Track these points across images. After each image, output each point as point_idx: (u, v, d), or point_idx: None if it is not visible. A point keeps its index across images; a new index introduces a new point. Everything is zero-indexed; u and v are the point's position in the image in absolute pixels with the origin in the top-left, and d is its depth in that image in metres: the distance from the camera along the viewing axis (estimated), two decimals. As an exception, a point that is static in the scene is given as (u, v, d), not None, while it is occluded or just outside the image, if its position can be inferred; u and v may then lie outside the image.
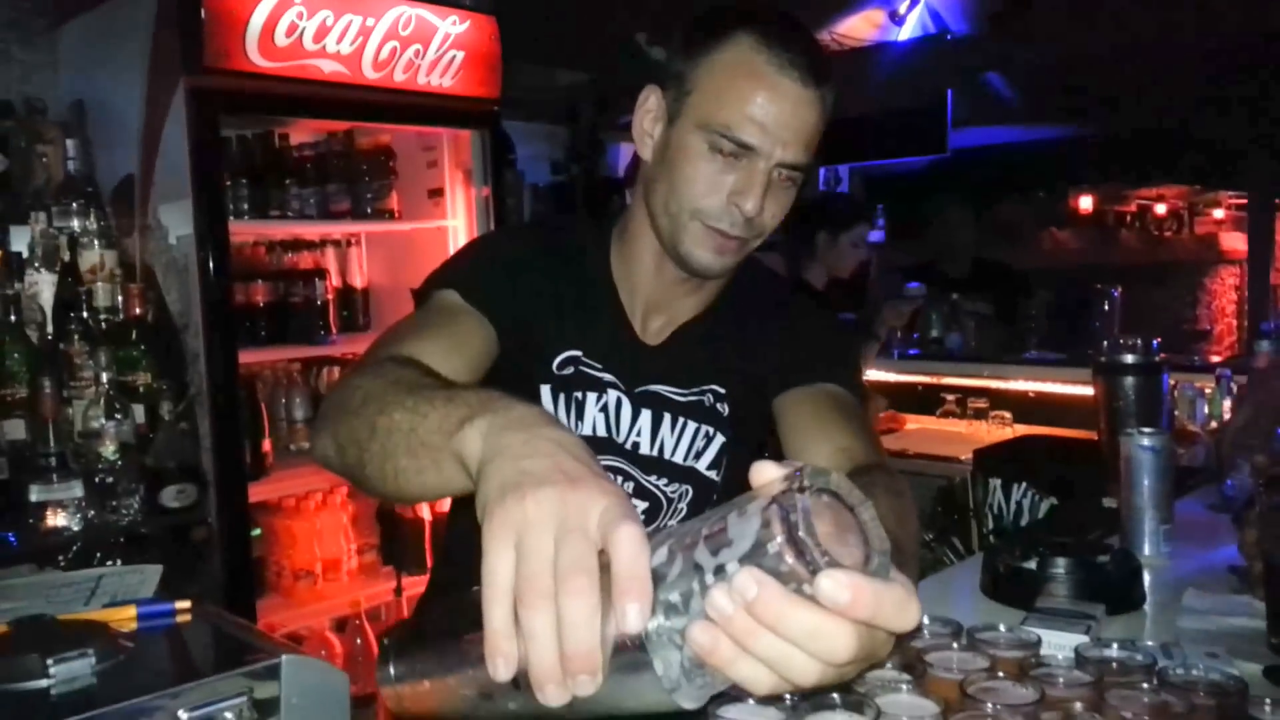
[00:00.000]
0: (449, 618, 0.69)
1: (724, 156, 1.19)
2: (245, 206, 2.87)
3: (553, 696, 0.58)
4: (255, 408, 2.84)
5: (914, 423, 3.90)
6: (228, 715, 0.85)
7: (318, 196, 3.05)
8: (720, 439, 1.35)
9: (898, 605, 0.55)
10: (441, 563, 1.57)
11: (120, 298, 2.56)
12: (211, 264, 2.55)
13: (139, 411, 2.51)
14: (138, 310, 2.55)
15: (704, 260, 1.25)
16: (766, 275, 1.45)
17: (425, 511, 3.12)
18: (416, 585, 3.00)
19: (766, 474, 0.59)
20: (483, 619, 0.59)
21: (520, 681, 0.58)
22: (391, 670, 0.68)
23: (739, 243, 1.24)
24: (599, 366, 1.32)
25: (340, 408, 0.97)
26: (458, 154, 3.21)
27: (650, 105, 1.27)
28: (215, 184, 2.61)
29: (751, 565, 0.54)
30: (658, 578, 0.57)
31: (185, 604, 1.02)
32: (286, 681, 0.90)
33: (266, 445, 2.85)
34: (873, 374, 4.17)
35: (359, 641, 2.98)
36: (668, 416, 1.33)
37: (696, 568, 0.56)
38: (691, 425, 1.34)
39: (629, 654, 0.57)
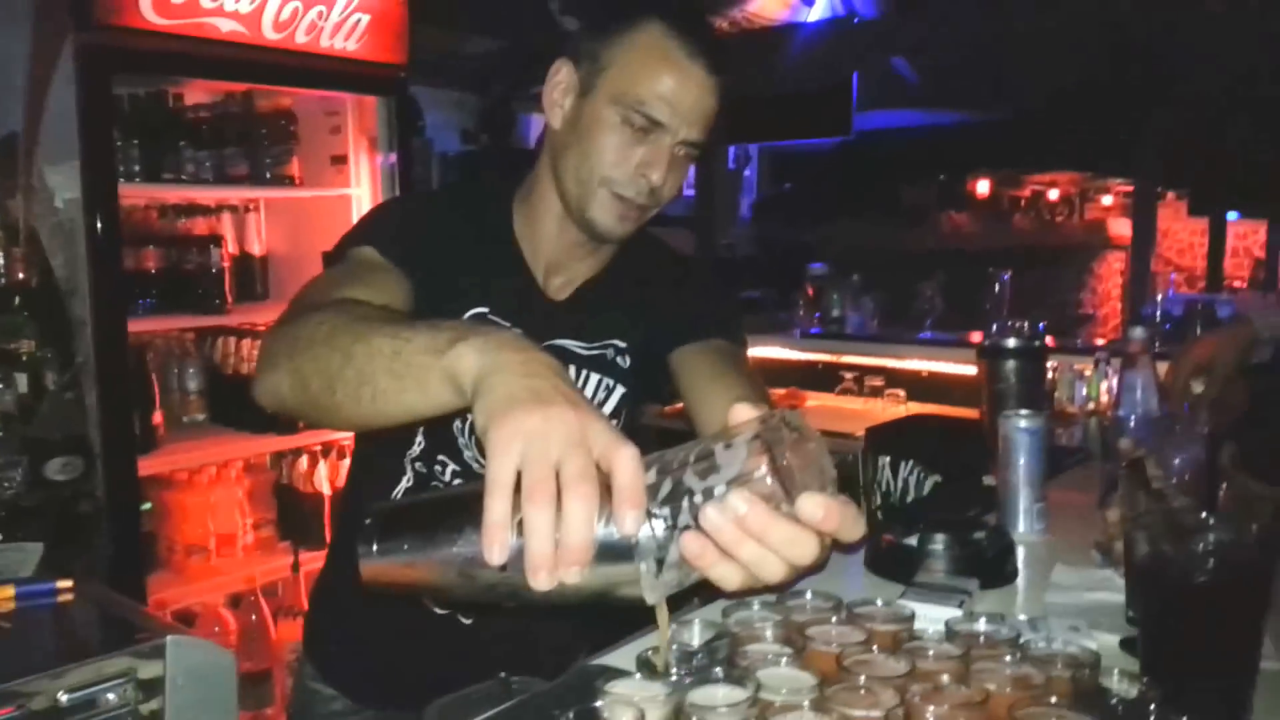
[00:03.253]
0: (438, 507, 0.80)
1: (634, 130, 1.28)
2: (136, 169, 2.77)
3: (542, 582, 0.69)
4: (145, 378, 2.76)
5: (814, 399, 4.00)
6: (110, 697, 0.84)
7: (214, 160, 2.96)
8: (620, 390, 1.43)
9: (853, 520, 0.72)
10: (341, 536, 1.57)
11: (2, 261, 2.46)
12: (100, 228, 2.47)
13: (22, 380, 2.42)
14: (21, 275, 2.45)
15: (607, 224, 1.33)
16: (655, 242, 1.55)
17: (324, 486, 3.08)
18: (314, 561, 2.95)
19: (744, 415, 0.74)
20: (479, 510, 0.70)
21: (507, 566, 0.70)
22: (375, 546, 0.77)
23: (640, 210, 1.34)
24: (507, 324, 1.36)
25: (303, 341, 1.00)
26: (362, 120, 3.15)
27: (562, 77, 1.34)
28: (105, 146, 2.51)
29: (740, 488, 0.68)
30: (647, 492, 0.70)
31: (67, 583, 1.00)
32: (171, 661, 0.90)
33: (158, 417, 2.78)
34: (776, 353, 4.26)
35: (254, 618, 2.93)
36: (571, 370, 1.39)
37: (684, 487, 0.70)
38: (594, 377, 1.41)
39: (613, 553, 0.70)
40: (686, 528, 0.70)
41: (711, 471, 0.70)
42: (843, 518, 0.70)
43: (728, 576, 0.71)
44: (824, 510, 0.69)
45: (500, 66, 5.24)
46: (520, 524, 0.70)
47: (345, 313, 1.02)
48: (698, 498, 0.69)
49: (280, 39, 2.78)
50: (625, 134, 1.28)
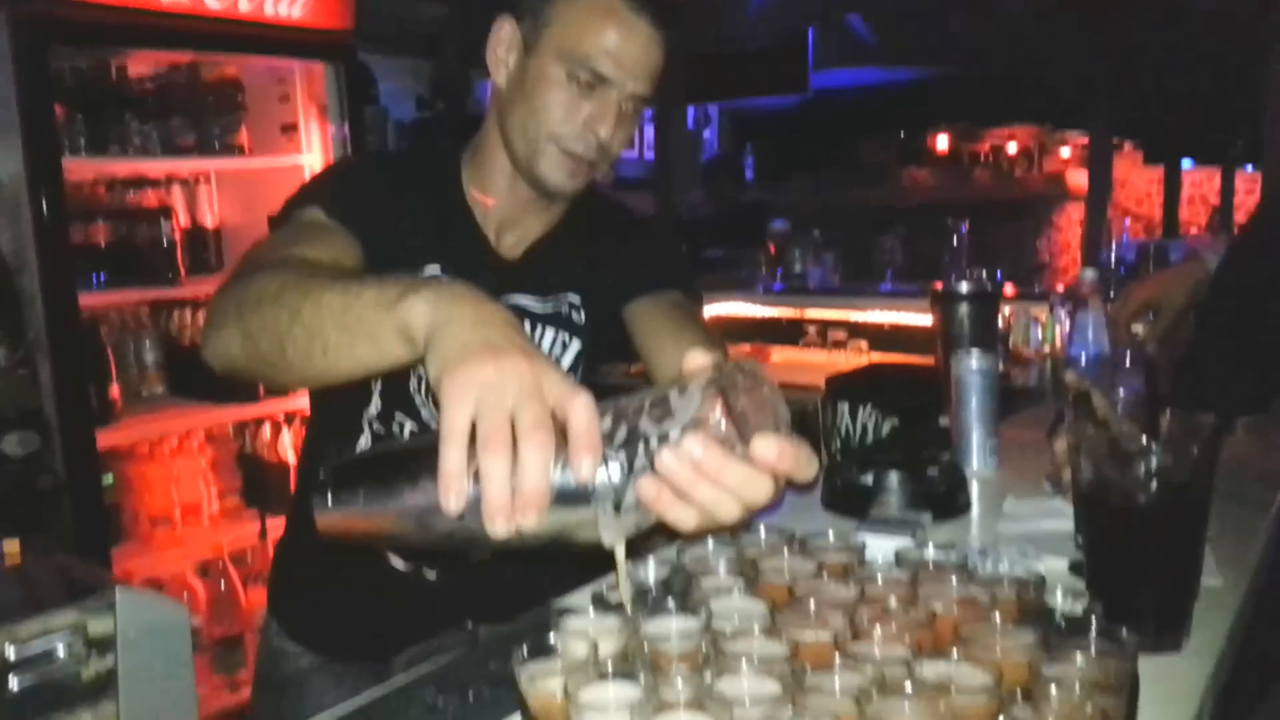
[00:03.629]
0: (393, 458, 0.80)
1: (580, 85, 1.27)
2: (81, 142, 2.72)
3: (499, 528, 0.70)
4: (100, 352, 2.73)
5: (779, 353, 4.02)
6: (59, 651, 0.84)
7: (160, 131, 2.91)
8: (577, 344, 1.43)
9: (807, 460, 0.73)
10: (301, 496, 1.56)
11: (-54, 239, 2.42)
12: (45, 203, 2.43)
13: (-28, 358, 2.38)
14: (-34, 252, 2.41)
15: (557, 180, 1.33)
16: (604, 198, 1.55)
17: (288, 454, 3.07)
18: (282, 527, 2.94)
19: (698, 362, 0.75)
20: (435, 460, 0.70)
21: (464, 514, 0.71)
22: (330, 499, 0.77)
23: (590, 166, 1.33)
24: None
25: (250, 300, 0.99)
26: (311, 87, 3.11)
27: (505, 35, 1.33)
28: (45, 119, 2.47)
29: (695, 432, 0.70)
30: (602, 439, 0.71)
31: (14, 544, 0.99)
32: (122, 616, 0.89)
33: (114, 391, 2.75)
34: (740, 309, 4.27)
35: (223, 585, 2.93)
36: (527, 326, 1.39)
37: (640, 433, 0.71)
38: (550, 332, 1.42)
39: (570, 498, 0.71)
40: (642, 471, 0.71)
41: (666, 417, 0.71)
42: (796, 458, 0.72)
43: (684, 518, 0.73)
44: (777, 450, 0.70)
45: (452, 32, 5.17)
46: (476, 473, 0.70)
47: (293, 270, 1.01)
48: (653, 442, 0.70)
49: (223, 7, 2.75)
50: (571, 90, 1.27)
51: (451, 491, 0.70)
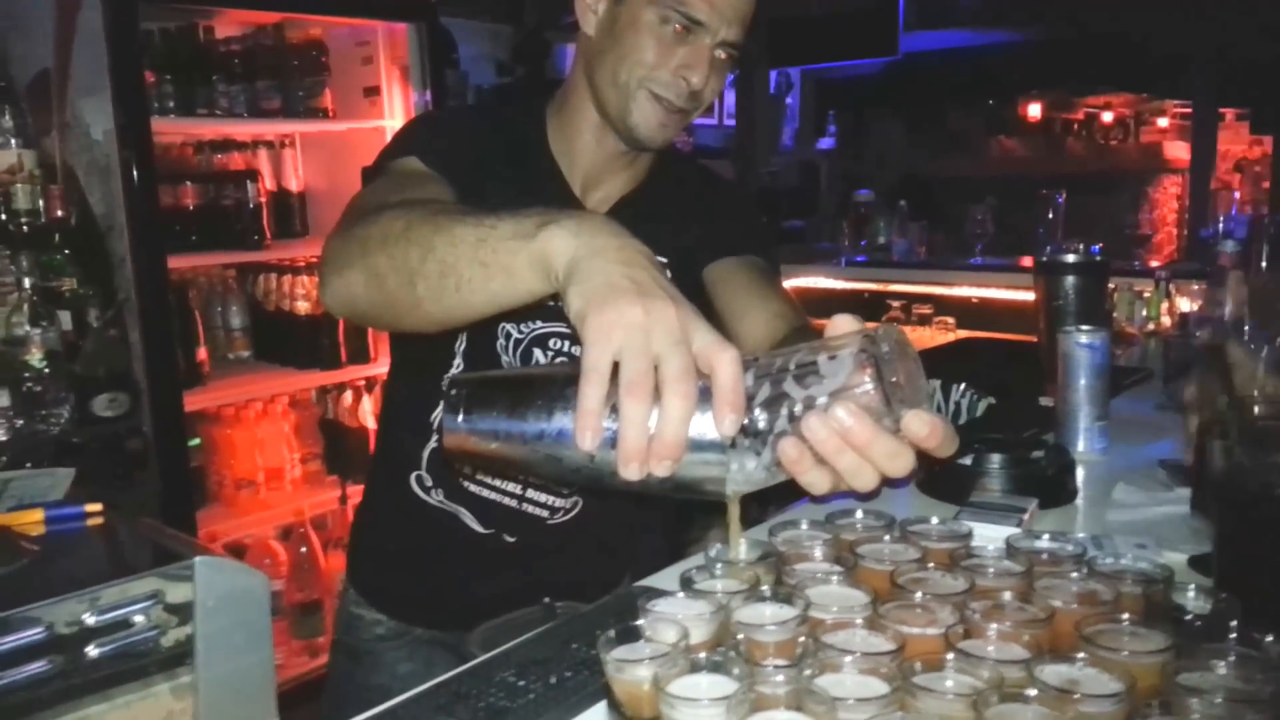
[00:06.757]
0: (528, 384, 0.79)
1: (674, 31, 1.25)
2: (170, 104, 2.75)
3: (631, 471, 0.71)
4: (188, 314, 2.77)
5: (861, 329, 3.91)
6: (139, 619, 0.82)
7: (247, 93, 2.93)
8: None
9: (951, 438, 0.73)
10: (379, 461, 1.55)
11: (41, 200, 2.45)
12: (135, 163, 2.45)
13: (65, 318, 2.43)
14: (59, 213, 2.45)
15: (648, 129, 1.31)
16: (687, 160, 1.53)
17: (368, 420, 3.09)
18: (361, 493, 2.98)
19: (845, 326, 0.75)
20: (572, 394, 0.71)
21: (595, 452, 0.72)
22: (461, 417, 0.77)
23: (681, 115, 1.31)
24: None
25: (375, 239, 0.97)
26: (394, 50, 3.09)
27: None
28: (135, 77, 2.48)
29: (844, 400, 0.69)
30: (746, 396, 0.70)
31: (96, 507, 0.98)
32: (201, 584, 0.88)
33: (202, 353, 2.79)
34: (821, 282, 4.17)
35: (304, 550, 2.97)
36: None
37: (784, 394, 0.71)
38: None
39: (704, 450, 0.71)
40: (783, 434, 0.70)
41: (814, 381, 0.70)
42: (944, 435, 0.72)
43: (818, 482, 0.73)
44: (929, 428, 0.71)
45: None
46: (612, 412, 0.71)
47: (420, 208, 0.99)
48: (798, 406, 0.70)
49: (308, -35, 2.74)
50: (664, 34, 1.25)
51: (588, 429, 0.71)
